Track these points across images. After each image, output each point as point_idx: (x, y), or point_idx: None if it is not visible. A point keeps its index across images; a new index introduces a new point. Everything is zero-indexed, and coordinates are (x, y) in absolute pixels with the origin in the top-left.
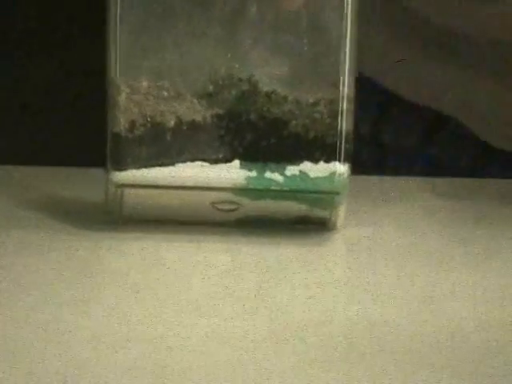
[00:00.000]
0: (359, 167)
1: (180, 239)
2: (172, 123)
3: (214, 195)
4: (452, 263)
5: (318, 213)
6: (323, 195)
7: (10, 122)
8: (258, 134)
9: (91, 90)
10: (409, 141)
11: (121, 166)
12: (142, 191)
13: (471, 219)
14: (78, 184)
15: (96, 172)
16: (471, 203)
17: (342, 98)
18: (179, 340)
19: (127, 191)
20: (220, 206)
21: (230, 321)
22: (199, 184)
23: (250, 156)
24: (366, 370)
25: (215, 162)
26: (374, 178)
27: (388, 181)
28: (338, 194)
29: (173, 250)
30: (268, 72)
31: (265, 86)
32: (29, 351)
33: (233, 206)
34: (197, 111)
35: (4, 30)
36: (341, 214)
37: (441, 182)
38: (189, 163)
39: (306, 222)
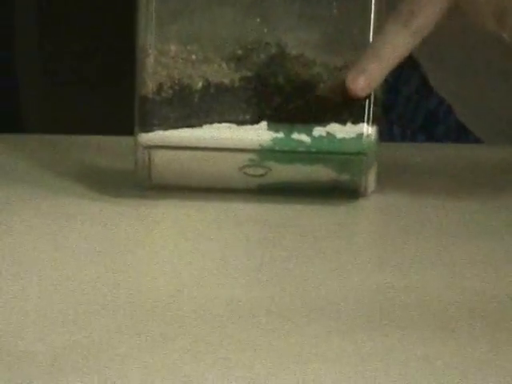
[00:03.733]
0: None
1: (208, 206)
2: (200, 85)
3: (241, 158)
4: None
5: (348, 178)
6: (350, 157)
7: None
8: (286, 97)
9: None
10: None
11: (148, 127)
12: (169, 153)
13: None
14: (111, 152)
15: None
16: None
17: None
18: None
19: (155, 153)
20: (249, 171)
21: (261, 288)
22: (226, 145)
23: (277, 117)
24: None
25: (242, 123)
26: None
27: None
28: (365, 155)
29: (200, 215)
30: (296, 36)
31: (293, 50)
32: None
33: (261, 171)
34: (225, 74)
35: None
36: (371, 180)
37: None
38: (216, 125)
39: (336, 189)
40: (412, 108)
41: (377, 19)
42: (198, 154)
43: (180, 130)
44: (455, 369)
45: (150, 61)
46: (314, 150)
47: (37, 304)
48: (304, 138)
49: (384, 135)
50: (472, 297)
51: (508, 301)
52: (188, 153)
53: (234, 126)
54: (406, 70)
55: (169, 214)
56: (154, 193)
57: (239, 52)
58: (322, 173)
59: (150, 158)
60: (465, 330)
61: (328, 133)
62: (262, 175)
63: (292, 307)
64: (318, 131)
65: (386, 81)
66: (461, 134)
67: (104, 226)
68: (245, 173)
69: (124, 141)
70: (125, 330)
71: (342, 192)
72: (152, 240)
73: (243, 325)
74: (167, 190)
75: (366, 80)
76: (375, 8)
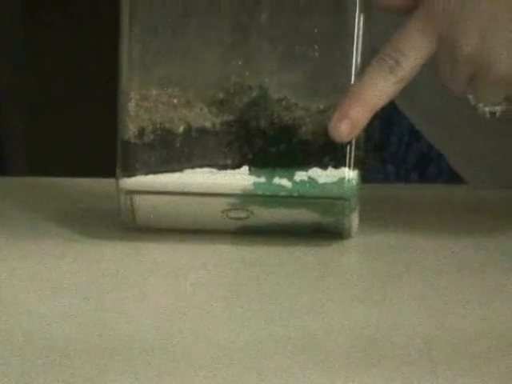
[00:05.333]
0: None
1: (193, 247)
2: (181, 130)
3: (223, 202)
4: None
5: (331, 221)
6: (333, 201)
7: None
8: (268, 141)
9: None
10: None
11: (129, 172)
12: (152, 198)
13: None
14: (96, 194)
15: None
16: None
17: None
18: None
19: (137, 198)
20: (231, 215)
21: (248, 327)
22: (207, 190)
23: (259, 162)
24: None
25: (224, 168)
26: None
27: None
28: (347, 200)
29: (186, 256)
30: (278, 79)
31: (275, 93)
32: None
33: (244, 214)
34: (206, 118)
35: None
36: (354, 221)
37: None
38: (197, 169)
39: (320, 231)
40: (404, 147)
41: (359, 62)
42: (180, 198)
43: (161, 174)
44: None
45: (132, 105)
46: (295, 194)
47: (19, 344)
48: (285, 182)
49: (378, 173)
50: (456, 335)
51: (494, 339)
52: (170, 197)
53: (215, 170)
54: (397, 111)
55: (154, 256)
56: (138, 234)
57: (221, 95)
58: (304, 216)
59: (132, 202)
60: (449, 368)
61: (309, 177)
62: (244, 218)
63: (277, 345)
64: (300, 176)
65: (379, 119)
66: (453, 175)
67: (88, 267)
68: (227, 216)
69: (108, 183)
70: (107, 370)
71: (325, 233)
72: (136, 281)
73: (229, 365)
74: (152, 231)
75: (348, 125)
76: (357, 51)
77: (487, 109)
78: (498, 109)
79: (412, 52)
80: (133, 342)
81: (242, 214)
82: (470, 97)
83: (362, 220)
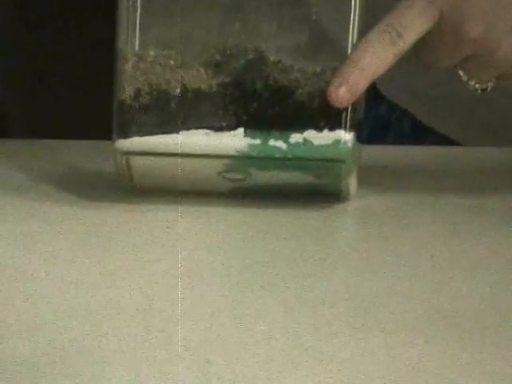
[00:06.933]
0: None
1: (191, 209)
2: (177, 91)
3: (219, 163)
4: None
5: (327, 183)
6: (328, 164)
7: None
8: (263, 103)
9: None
10: None
11: (125, 134)
12: (147, 159)
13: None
14: (94, 157)
15: None
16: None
17: None
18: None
19: (133, 159)
20: (228, 176)
21: (244, 293)
22: (203, 151)
23: (255, 124)
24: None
25: (219, 129)
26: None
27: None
28: (343, 162)
29: (183, 219)
30: (275, 42)
31: (271, 56)
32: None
33: (241, 176)
34: (203, 80)
35: None
36: (351, 184)
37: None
38: (193, 131)
39: (318, 193)
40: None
41: (357, 26)
42: (176, 159)
43: (157, 136)
44: (439, 375)
45: (129, 66)
46: (290, 156)
47: (13, 309)
48: (280, 144)
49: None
50: (453, 299)
51: (492, 304)
52: (166, 159)
53: (210, 132)
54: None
55: (152, 218)
56: (136, 196)
57: (217, 57)
58: (301, 178)
59: (128, 164)
60: (449, 333)
61: (305, 139)
62: (241, 180)
63: (274, 310)
64: (295, 138)
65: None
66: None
67: (85, 228)
68: (224, 177)
69: (108, 145)
70: (105, 332)
71: (323, 196)
72: (135, 244)
73: (226, 328)
74: (151, 192)
75: (347, 91)
76: (355, 14)
77: (478, 85)
78: (490, 85)
79: (414, 27)
80: (128, 303)
81: (239, 176)
82: (462, 73)
83: (360, 182)
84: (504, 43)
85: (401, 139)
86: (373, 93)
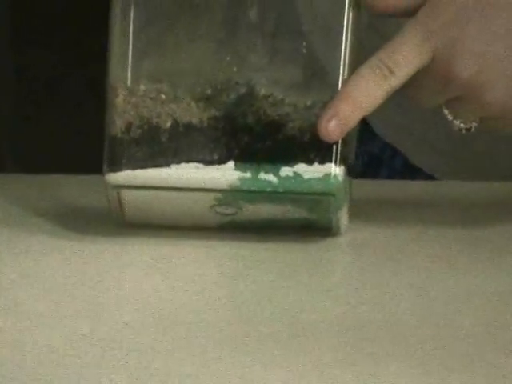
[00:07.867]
0: None
1: (184, 243)
2: (168, 125)
3: (210, 197)
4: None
5: (318, 217)
6: (319, 197)
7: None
8: (254, 136)
9: None
10: None
11: (116, 167)
12: (139, 193)
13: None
14: (85, 191)
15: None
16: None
17: None
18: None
19: (124, 193)
20: (219, 210)
21: (235, 325)
22: (194, 185)
23: (245, 157)
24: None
25: (210, 163)
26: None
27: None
28: (333, 195)
29: (176, 252)
30: (266, 76)
31: (262, 90)
32: None
33: (232, 210)
34: (193, 113)
35: None
36: (343, 218)
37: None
38: (184, 164)
39: (309, 227)
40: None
41: (348, 59)
42: (167, 193)
43: (148, 169)
44: None
45: (120, 100)
46: (281, 190)
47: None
48: (271, 178)
49: None
50: (447, 332)
51: (484, 335)
52: (157, 192)
53: (201, 165)
54: None
55: (144, 252)
56: (128, 230)
57: (208, 91)
58: (292, 212)
59: (119, 197)
60: (439, 364)
61: (295, 173)
62: (233, 214)
63: (266, 341)
64: (286, 171)
65: None
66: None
67: (78, 262)
68: (215, 211)
69: (99, 179)
70: (98, 367)
71: (315, 230)
72: (126, 277)
73: (217, 359)
74: (142, 227)
75: (337, 125)
76: (346, 48)
77: (463, 125)
78: (474, 125)
79: (407, 64)
80: (123, 334)
81: (230, 210)
82: (447, 112)
83: (352, 216)
84: (495, 86)
85: (393, 176)
86: (365, 129)
